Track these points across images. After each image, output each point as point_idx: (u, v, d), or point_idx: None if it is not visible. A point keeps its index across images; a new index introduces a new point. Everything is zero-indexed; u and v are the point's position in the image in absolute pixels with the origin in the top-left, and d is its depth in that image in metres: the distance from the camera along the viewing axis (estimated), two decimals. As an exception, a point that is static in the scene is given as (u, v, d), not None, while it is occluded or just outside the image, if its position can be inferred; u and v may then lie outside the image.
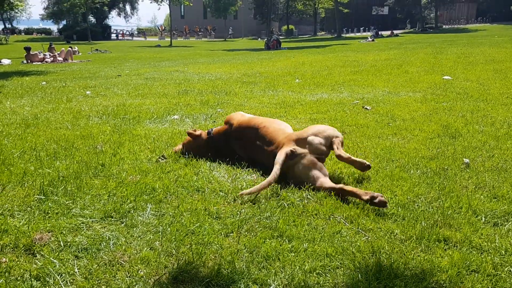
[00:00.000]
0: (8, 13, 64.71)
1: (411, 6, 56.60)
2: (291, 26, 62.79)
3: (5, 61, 16.44)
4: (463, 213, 2.36)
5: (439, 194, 2.63)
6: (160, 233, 2.12)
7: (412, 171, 3.02)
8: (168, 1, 43.97)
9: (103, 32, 56.51)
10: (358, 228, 2.17)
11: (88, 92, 7.49)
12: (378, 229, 2.18)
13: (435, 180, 2.87)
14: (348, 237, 2.09)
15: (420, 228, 2.16)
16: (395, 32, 42.81)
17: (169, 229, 2.16)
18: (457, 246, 2.03)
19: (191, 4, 48.93)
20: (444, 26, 54.42)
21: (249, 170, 3.07)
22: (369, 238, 2.08)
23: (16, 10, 51.74)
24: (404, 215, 2.32)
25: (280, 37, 39.24)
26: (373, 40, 29.71)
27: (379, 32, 39.83)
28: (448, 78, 8.08)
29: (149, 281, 1.73)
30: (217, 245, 2.01)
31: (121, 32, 64.72)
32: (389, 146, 3.66)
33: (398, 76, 8.70)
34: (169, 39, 45.46)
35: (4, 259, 1.88)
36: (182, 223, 2.22)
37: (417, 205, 2.46)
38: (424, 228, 2.16)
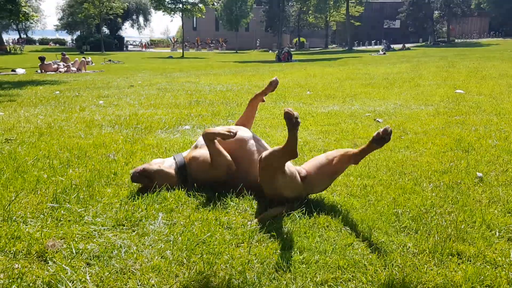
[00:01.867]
0: (23, 24, 65.97)
1: (423, 19, 56.60)
2: (302, 39, 63.15)
3: (20, 71, 16.71)
4: (477, 227, 2.33)
5: (452, 208, 2.60)
6: (171, 242, 2.12)
7: (424, 185, 3.00)
8: (180, 13, 44.43)
9: (118, 43, 57.22)
10: (370, 241, 2.15)
11: (101, 102, 7.57)
12: (390, 242, 2.16)
13: (448, 193, 2.84)
14: (359, 250, 2.07)
15: (433, 242, 2.13)
16: (407, 45, 42.82)
17: (180, 238, 2.16)
18: (471, 261, 2.00)
19: (203, 17, 49.41)
20: (456, 40, 54.35)
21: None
22: (382, 251, 2.06)
23: (31, 21, 52.68)
24: (417, 228, 2.30)
25: (291, 49, 39.41)
26: (384, 53, 29.74)
27: (391, 46, 39.84)
28: (461, 92, 8.04)
29: (160, 290, 1.73)
30: (228, 255, 2.01)
31: (137, 43, 65.64)
32: (401, 159, 3.64)
33: (410, 89, 8.67)
34: (181, 51, 45.90)
35: (16, 265, 1.89)
36: (193, 233, 2.22)
37: (430, 219, 2.43)
38: (437, 241, 2.14)
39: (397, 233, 2.26)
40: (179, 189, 2.78)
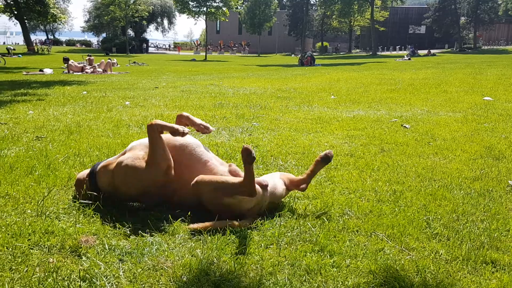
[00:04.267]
0: (51, 25, 67.56)
1: (449, 25, 55.76)
2: (325, 43, 62.93)
3: (47, 71, 17.08)
4: (511, 236, 2.28)
5: (485, 215, 2.55)
6: (201, 241, 2.14)
7: (455, 192, 2.95)
8: (204, 16, 44.78)
9: (141, 45, 58.01)
10: (401, 247, 2.13)
11: (127, 103, 7.68)
12: (422, 248, 2.13)
13: (479, 201, 2.79)
14: (391, 255, 2.04)
15: (466, 249, 2.09)
16: (432, 51, 42.23)
17: (209, 237, 2.17)
18: (505, 269, 1.96)
19: (227, 20, 49.69)
20: (483, 47, 53.33)
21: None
22: (413, 257, 2.03)
23: (59, 22, 53.89)
24: (449, 235, 2.26)
25: (314, 53, 39.30)
26: (409, 59, 29.38)
27: (416, 51, 39.33)
28: (489, 99, 7.88)
29: (192, 287, 1.74)
30: (258, 256, 2.01)
31: (161, 46, 66.39)
32: (431, 165, 3.59)
33: (436, 96, 8.54)
34: (204, 54, 46.24)
35: (51, 259, 1.93)
36: (223, 232, 2.23)
37: (462, 226, 2.39)
38: (470, 249, 2.10)
39: (429, 240, 2.22)
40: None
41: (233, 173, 2.54)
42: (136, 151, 2.54)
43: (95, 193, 2.53)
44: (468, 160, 3.79)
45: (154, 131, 2.46)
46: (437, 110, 6.79)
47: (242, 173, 2.45)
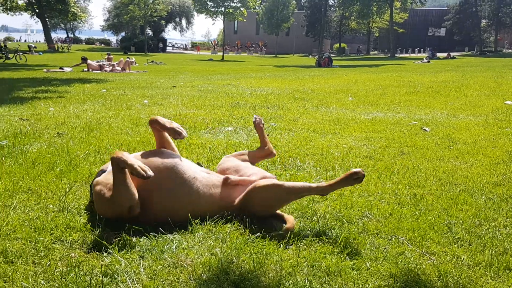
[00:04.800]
0: (71, 23, 68.59)
1: (470, 28, 54.96)
2: (343, 44, 62.60)
3: (67, 69, 17.34)
4: (535, 243, 2.23)
5: (508, 221, 2.50)
6: (220, 240, 2.14)
7: (477, 196, 2.90)
8: (222, 16, 44.95)
9: (158, 44, 58.41)
10: (422, 251, 2.10)
11: (145, 101, 7.74)
12: (443, 253, 2.10)
13: (502, 207, 2.74)
14: (412, 259, 2.02)
15: (489, 255, 2.06)
16: (452, 54, 41.68)
17: (228, 236, 2.18)
18: (530, 277, 1.92)
19: (244, 20, 49.83)
20: (504, 50, 52.43)
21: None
22: (435, 261, 2.01)
23: (79, 21, 54.69)
24: (471, 240, 2.23)
25: (332, 55, 39.11)
26: (428, 61, 29.06)
27: (436, 54, 38.86)
28: (511, 103, 7.74)
29: (212, 286, 1.75)
30: (277, 257, 2.00)
31: (179, 45, 66.74)
32: (451, 169, 3.54)
33: (456, 99, 8.43)
34: (221, 54, 46.40)
35: (73, 254, 1.96)
36: (242, 232, 2.23)
37: (484, 231, 2.35)
38: (493, 255, 2.07)
39: (450, 244, 2.19)
40: None
41: (234, 183, 2.46)
42: (109, 176, 2.26)
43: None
44: (489, 164, 3.72)
45: (117, 167, 2.13)
46: (458, 113, 6.69)
47: (245, 176, 2.50)
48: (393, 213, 2.56)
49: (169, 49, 66.21)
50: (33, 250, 1.97)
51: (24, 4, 41.89)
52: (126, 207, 2.16)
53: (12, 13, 41.14)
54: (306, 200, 2.71)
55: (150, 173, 2.12)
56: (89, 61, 18.21)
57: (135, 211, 2.18)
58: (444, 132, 5.10)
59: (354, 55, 57.24)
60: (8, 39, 60.84)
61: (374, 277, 1.86)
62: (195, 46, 76.64)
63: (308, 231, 2.27)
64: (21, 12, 43.28)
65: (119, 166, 2.12)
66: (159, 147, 2.61)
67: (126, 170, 2.13)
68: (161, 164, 2.31)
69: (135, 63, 23.43)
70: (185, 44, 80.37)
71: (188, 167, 2.39)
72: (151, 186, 2.23)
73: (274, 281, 1.80)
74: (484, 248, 2.15)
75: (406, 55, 50.44)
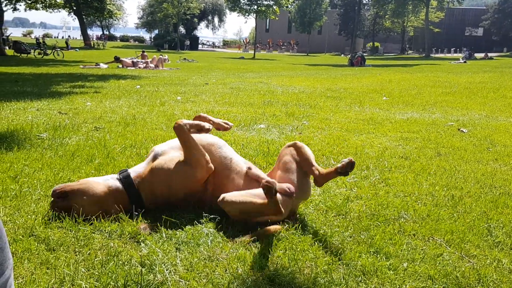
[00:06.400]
0: (107, 21, 70.17)
1: (509, 28, 53.17)
2: (376, 44, 61.64)
3: (103, 65, 17.75)
4: None
5: (552, 227, 2.41)
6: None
7: (518, 200, 2.81)
8: (255, 14, 45.00)
9: (185, 42, 58.65)
10: (461, 253, 2.05)
11: (179, 98, 7.84)
12: (483, 256, 2.04)
13: (545, 211, 2.64)
14: (451, 261, 1.97)
15: (532, 261, 1.99)
16: (490, 54, 40.45)
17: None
18: None
19: (277, 19, 49.72)
20: (545, 51, 50.51)
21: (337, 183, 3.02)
22: (475, 264, 1.95)
23: (114, 18, 55.85)
24: (513, 245, 2.16)
25: (364, 54, 38.63)
26: (464, 62, 28.30)
27: (473, 54, 37.80)
28: (554, 105, 7.45)
29: (247, 280, 1.76)
30: (312, 254, 2.00)
31: (210, 43, 66.97)
32: (491, 171, 3.44)
33: (495, 100, 8.17)
34: (253, 52, 46.47)
35: (112, 244, 2.00)
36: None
37: (527, 236, 2.27)
38: (536, 261, 2.00)
39: (490, 248, 2.13)
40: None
41: (253, 177, 2.46)
42: (170, 154, 2.45)
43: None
44: (531, 168, 3.60)
45: (183, 131, 2.40)
46: (496, 115, 6.49)
47: (262, 175, 2.45)
48: (431, 215, 2.51)
49: (199, 47, 66.73)
50: (73, 239, 2.03)
51: (62, 2, 43.13)
52: (204, 164, 2.38)
53: (50, 10, 42.39)
54: (341, 199, 2.69)
55: (210, 126, 2.51)
56: (122, 58, 18.60)
57: (211, 167, 2.40)
58: (482, 134, 4.96)
59: (387, 54, 56.27)
60: (46, 35, 62.82)
61: (412, 278, 1.83)
62: (226, 44, 77.05)
63: (344, 230, 2.25)
64: (59, 9, 44.59)
65: (187, 129, 2.40)
66: None
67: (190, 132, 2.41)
68: (211, 142, 2.52)
69: (168, 60, 23.76)
70: (213, 43, 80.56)
71: (229, 151, 2.56)
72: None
73: (309, 278, 1.80)
74: (526, 253, 2.08)
75: (442, 55, 49.28)
